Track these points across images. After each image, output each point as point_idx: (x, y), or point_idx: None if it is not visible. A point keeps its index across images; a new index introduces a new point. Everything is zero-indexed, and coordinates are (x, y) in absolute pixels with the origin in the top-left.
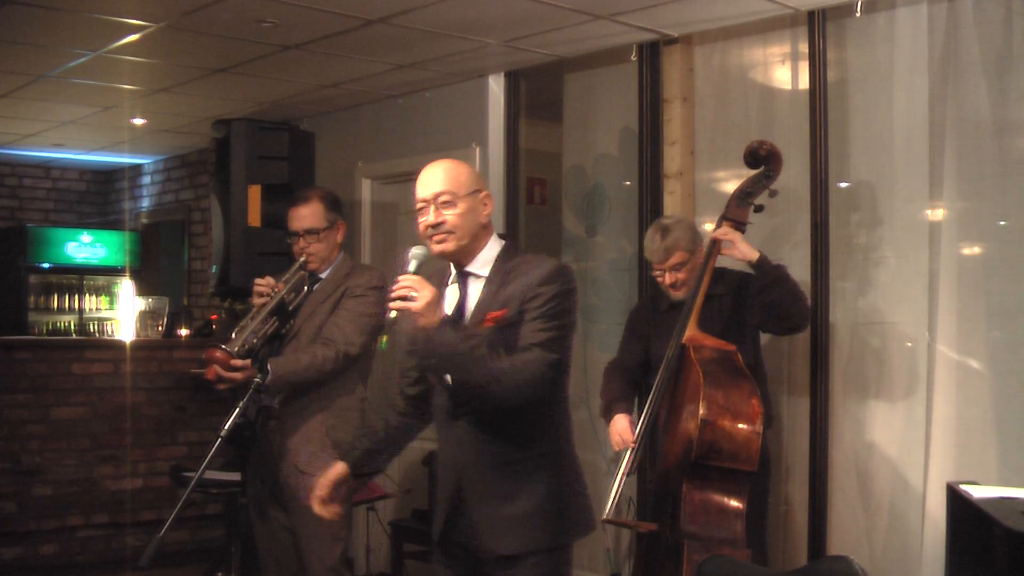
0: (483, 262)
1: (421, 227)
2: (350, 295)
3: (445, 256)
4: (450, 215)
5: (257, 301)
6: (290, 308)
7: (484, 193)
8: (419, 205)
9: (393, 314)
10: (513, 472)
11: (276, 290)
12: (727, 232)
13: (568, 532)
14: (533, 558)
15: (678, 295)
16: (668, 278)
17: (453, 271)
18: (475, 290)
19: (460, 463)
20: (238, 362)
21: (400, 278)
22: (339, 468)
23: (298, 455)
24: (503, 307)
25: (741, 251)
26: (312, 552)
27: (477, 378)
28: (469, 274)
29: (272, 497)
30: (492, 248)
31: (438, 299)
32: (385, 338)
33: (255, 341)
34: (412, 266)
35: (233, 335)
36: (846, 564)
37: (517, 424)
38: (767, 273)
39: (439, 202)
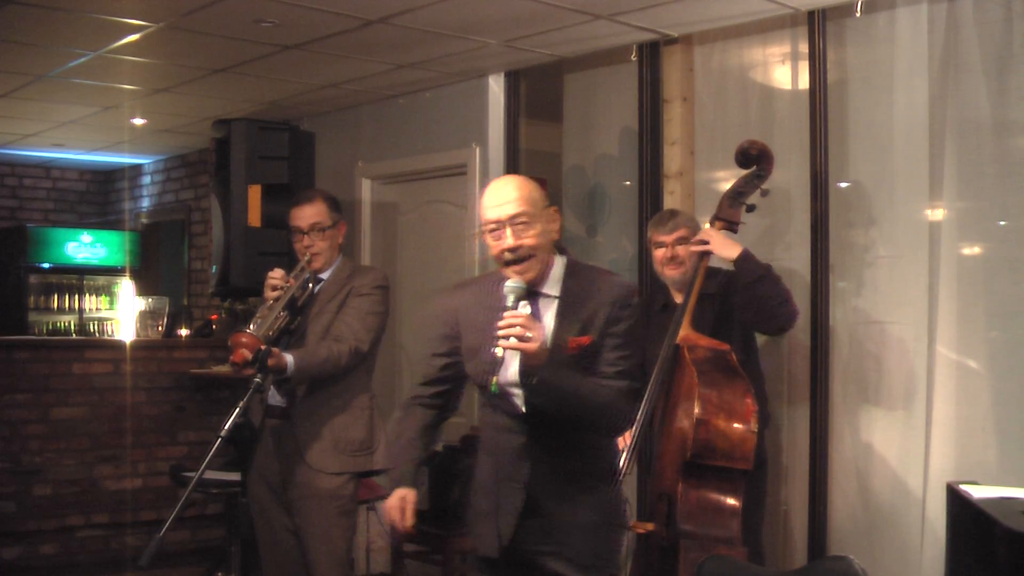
0: (553, 280)
1: (495, 250)
2: (356, 294)
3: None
4: (529, 237)
5: (270, 294)
6: (298, 304)
7: (553, 209)
8: (491, 227)
9: (500, 352)
10: (582, 483)
11: (288, 284)
12: (705, 233)
13: (620, 539)
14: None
15: (674, 275)
16: (670, 252)
17: (512, 289)
18: (548, 311)
19: (528, 478)
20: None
21: (508, 316)
22: (406, 494)
23: (309, 453)
24: (584, 332)
25: (718, 251)
26: (319, 550)
27: (583, 416)
28: (540, 294)
29: (275, 499)
30: (559, 263)
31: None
32: (495, 380)
33: (271, 333)
34: (511, 301)
35: (252, 324)
36: (846, 564)
37: (586, 439)
38: (751, 270)
39: (517, 224)
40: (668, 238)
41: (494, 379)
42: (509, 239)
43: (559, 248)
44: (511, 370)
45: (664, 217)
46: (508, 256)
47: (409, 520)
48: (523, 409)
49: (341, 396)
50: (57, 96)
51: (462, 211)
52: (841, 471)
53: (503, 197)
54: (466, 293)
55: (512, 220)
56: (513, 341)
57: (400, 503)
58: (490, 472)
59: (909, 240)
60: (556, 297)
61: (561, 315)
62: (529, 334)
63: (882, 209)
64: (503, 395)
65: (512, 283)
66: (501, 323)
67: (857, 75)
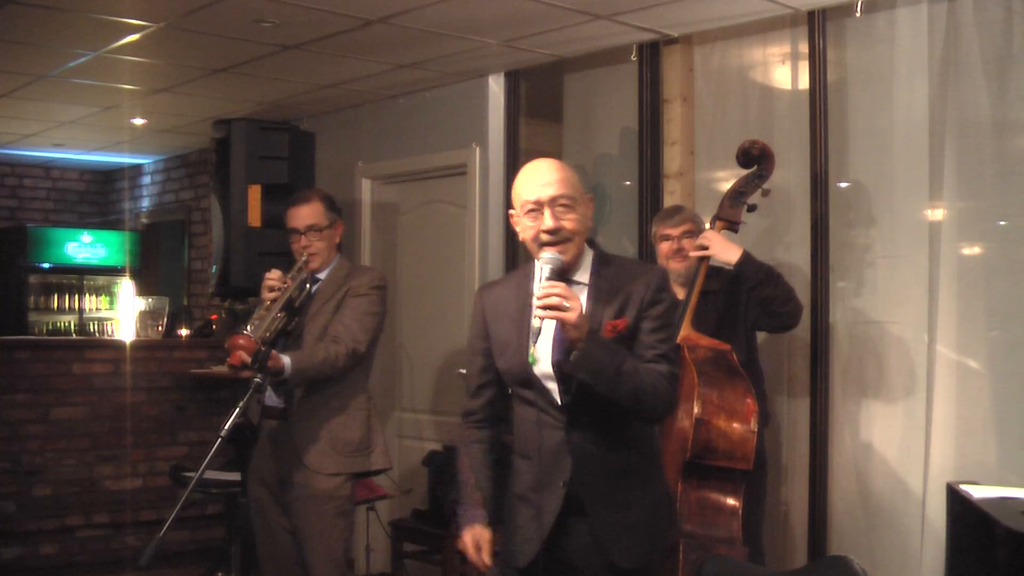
0: (583, 268)
1: (531, 232)
2: (353, 294)
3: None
4: (569, 220)
5: (267, 295)
6: (295, 305)
7: (590, 196)
8: (529, 208)
9: (537, 324)
10: (629, 481)
11: (285, 285)
12: (705, 236)
13: (673, 537)
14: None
15: (679, 268)
16: (675, 244)
17: (549, 260)
18: (580, 297)
19: (570, 475)
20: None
21: (545, 286)
22: (480, 532)
23: (306, 454)
24: (619, 315)
25: (718, 255)
26: (316, 551)
27: (622, 394)
28: (571, 281)
29: (273, 499)
30: (588, 253)
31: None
32: (535, 349)
33: (268, 334)
34: (547, 273)
35: (250, 326)
36: (846, 564)
37: (630, 431)
38: (753, 272)
39: (558, 206)
40: (674, 231)
41: (533, 348)
42: (548, 221)
43: (588, 240)
44: (543, 364)
45: (670, 212)
46: (545, 237)
47: (487, 558)
48: (559, 400)
49: (338, 397)
50: (57, 96)
51: (462, 211)
52: (841, 470)
53: (545, 178)
54: (495, 289)
55: (553, 202)
56: (552, 312)
57: (475, 543)
58: (526, 476)
59: (909, 240)
60: (586, 284)
61: (594, 300)
62: (567, 304)
63: (882, 209)
64: (538, 387)
65: (549, 254)
66: (539, 293)
67: (857, 75)
